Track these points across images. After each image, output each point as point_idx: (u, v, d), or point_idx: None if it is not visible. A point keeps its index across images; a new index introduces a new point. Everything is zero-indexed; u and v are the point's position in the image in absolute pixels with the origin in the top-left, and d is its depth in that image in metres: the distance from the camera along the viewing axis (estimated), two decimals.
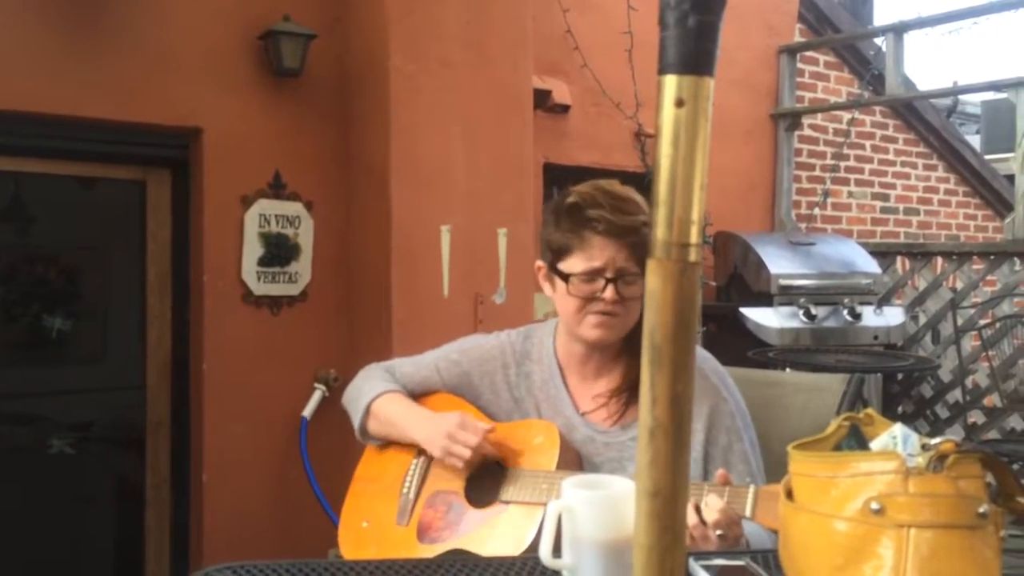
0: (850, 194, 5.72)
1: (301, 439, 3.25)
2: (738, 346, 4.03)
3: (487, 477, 1.59)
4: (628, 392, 1.57)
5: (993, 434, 4.42)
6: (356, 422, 1.77)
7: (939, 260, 5.01)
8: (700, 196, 0.57)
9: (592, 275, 1.51)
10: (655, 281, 0.57)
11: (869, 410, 0.94)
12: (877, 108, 5.74)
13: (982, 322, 4.50)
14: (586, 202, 1.51)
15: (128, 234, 3.43)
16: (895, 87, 4.90)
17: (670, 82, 0.56)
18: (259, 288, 3.25)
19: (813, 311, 4.39)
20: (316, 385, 3.32)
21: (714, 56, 0.56)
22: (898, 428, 0.86)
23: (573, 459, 1.56)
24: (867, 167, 5.79)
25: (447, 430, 1.57)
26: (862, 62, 5.60)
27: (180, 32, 3.10)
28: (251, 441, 3.23)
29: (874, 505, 0.78)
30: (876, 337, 4.54)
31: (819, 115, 5.52)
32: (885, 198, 5.89)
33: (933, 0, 6.22)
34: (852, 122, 5.58)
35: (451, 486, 1.61)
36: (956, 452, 0.78)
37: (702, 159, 0.56)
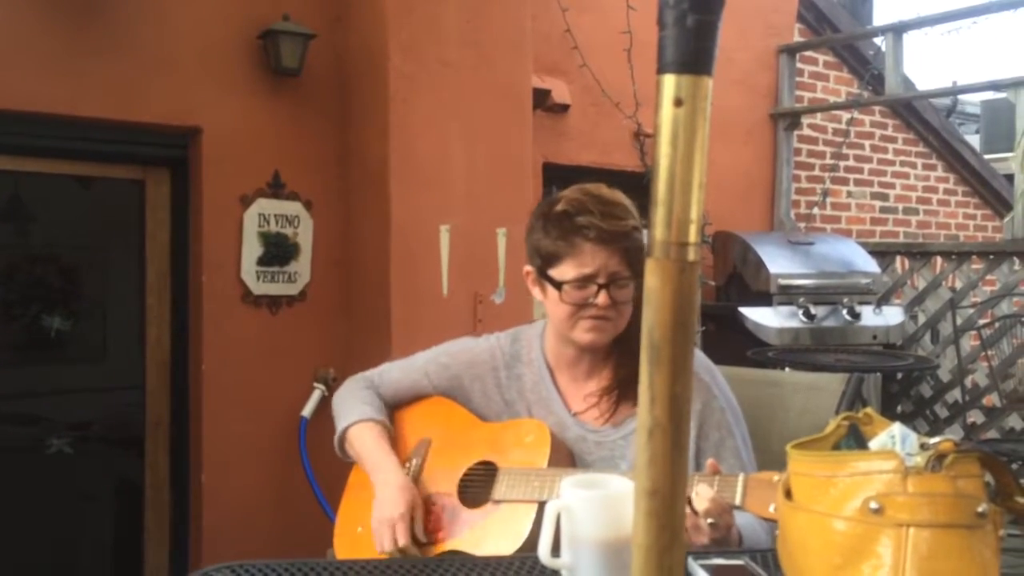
0: (849, 194, 5.73)
1: (300, 439, 3.26)
2: (737, 346, 4.04)
3: (480, 477, 1.59)
4: (619, 390, 1.58)
5: (992, 433, 4.42)
6: (335, 441, 1.77)
7: (938, 260, 5.01)
8: (699, 195, 0.57)
9: (584, 281, 1.50)
10: (654, 281, 0.57)
11: (868, 409, 0.94)
12: (876, 108, 5.75)
13: (981, 322, 4.50)
14: (575, 209, 1.50)
15: (127, 234, 3.43)
16: (894, 87, 4.91)
17: (669, 81, 0.56)
18: (258, 288, 3.25)
19: (812, 311, 4.39)
20: (315, 385, 3.33)
21: (713, 55, 0.56)
22: (897, 428, 0.86)
23: (564, 456, 1.56)
24: (866, 167, 5.80)
25: (386, 515, 1.54)
26: (861, 62, 5.60)
27: (179, 31, 3.10)
28: (250, 441, 3.23)
29: (873, 504, 0.78)
30: (875, 337, 4.55)
31: (818, 115, 5.52)
32: (884, 198, 5.90)
33: (932, 0, 6.20)
34: (851, 122, 5.58)
35: (444, 488, 1.61)
36: (955, 451, 0.78)
37: (701, 158, 0.56)
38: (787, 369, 3.58)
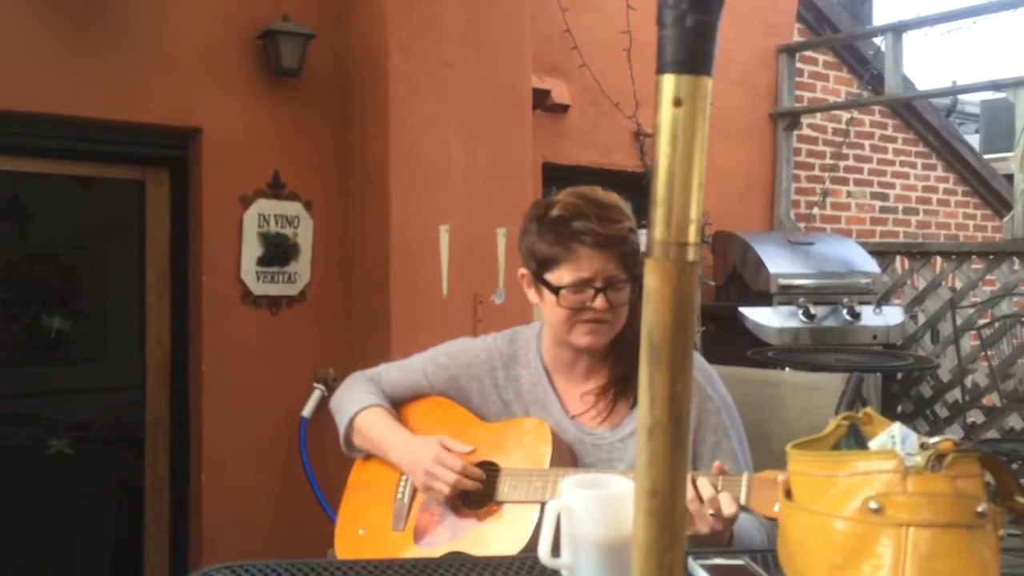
0: (849, 194, 5.73)
1: (300, 439, 3.26)
2: (737, 346, 4.03)
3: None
4: (615, 389, 1.58)
5: (992, 433, 4.42)
6: (340, 435, 1.77)
7: (938, 259, 5.01)
8: (698, 195, 0.57)
9: (582, 286, 1.50)
10: (653, 281, 0.57)
11: (868, 409, 0.94)
12: (876, 108, 5.75)
13: (981, 321, 4.50)
14: (571, 213, 1.50)
15: (127, 234, 3.42)
16: (894, 87, 4.91)
17: (668, 81, 0.56)
18: (258, 288, 3.25)
19: (812, 311, 4.39)
20: (315, 385, 3.33)
21: (712, 55, 0.56)
22: (897, 427, 0.86)
23: (566, 455, 1.56)
24: (866, 167, 5.80)
25: (425, 466, 1.56)
26: (861, 62, 5.60)
27: (179, 31, 3.10)
28: (250, 441, 3.23)
29: (873, 504, 0.78)
30: (875, 337, 4.55)
31: (818, 115, 5.52)
32: (884, 198, 5.90)
33: (932, 0, 6.20)
34: (851, 122, 5.58)
35: None
36: (955, 451, 0.78)
37: (700, 158, 0.56)
38: (787, 369, 3.58)
